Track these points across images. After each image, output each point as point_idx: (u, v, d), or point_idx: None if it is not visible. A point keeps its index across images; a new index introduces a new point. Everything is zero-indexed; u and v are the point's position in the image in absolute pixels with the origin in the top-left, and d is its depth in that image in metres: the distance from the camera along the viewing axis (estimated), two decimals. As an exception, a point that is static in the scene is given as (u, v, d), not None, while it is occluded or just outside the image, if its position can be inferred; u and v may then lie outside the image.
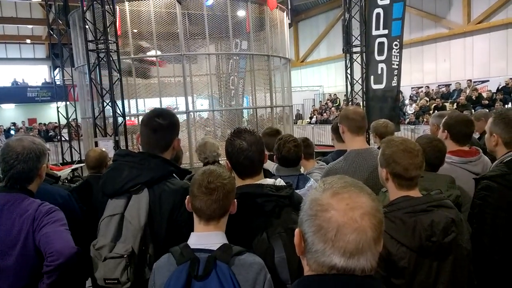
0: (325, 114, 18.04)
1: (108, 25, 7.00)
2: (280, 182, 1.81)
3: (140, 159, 1.87)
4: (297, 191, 2.46)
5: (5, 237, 1.75)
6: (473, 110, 12.23)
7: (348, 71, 10.29)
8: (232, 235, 1.57)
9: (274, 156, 2.77)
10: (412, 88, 16.29)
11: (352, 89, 10.50)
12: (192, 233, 1.55)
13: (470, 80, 14.19)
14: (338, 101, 18.80)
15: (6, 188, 1.84)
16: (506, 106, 11.93)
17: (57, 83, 14.03)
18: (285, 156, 2.65)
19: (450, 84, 14.95)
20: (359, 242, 0.88)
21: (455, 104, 13.37)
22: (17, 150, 1.84)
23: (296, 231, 0.97)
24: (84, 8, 7.15)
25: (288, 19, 10.20)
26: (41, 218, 1.76)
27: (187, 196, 1.56)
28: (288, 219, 1.66)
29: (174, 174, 1.93)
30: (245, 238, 1.61)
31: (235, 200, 1.56)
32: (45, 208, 1.80)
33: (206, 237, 1.51)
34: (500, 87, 13.23)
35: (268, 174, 2.51)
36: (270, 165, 3.11)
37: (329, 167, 2.63)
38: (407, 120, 14.00)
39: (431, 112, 13.75)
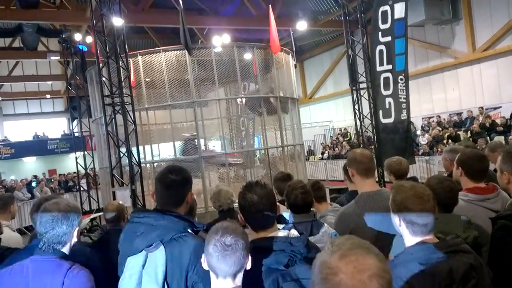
0: (336, 148, 18.03)
1: (122, 79, 7.33)
2: (293, 233, 1.84)
3: (155, 217, 1.92)
4: (311, 238, 2.49)
5: None
6: (488, 138, 12.11)
7: (356, 106, 10.40)
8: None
9: (285, 202, 2.81)
10: (423, 118, 16.26)
11: (361, 124, 10.57)
12: None
13: (482, 107, 14.10)
14: (348, 135, 18.82)
15: (41, 251, 1.91)
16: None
17: (75, 134, 14.50)
18: (293, 204, 2.65)
19: (462, 112, 14.88)
20: None
21: (469, 132, 13.25)
22: (54, 214, 1.93)
23: None
24: (100, 64, 7.52)
25: (294, 60, 10.50)
26: (70, 282, 1.82)
27: (203, 254, 1.59)
28: (303, 273, 1.68)
29: (189, 229, 1.99)
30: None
31: (249, 255, 1.59)
32: (74, 271, 1.86)
33: None
34: (513, 112, 13.11)
35: (282, 221, 2.54)
36: (285, 211, 3.15)
37: (341, 212, 2.65)
38: (421, 151, 13.86)
39: (445, 141, 13.64)
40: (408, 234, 1.72)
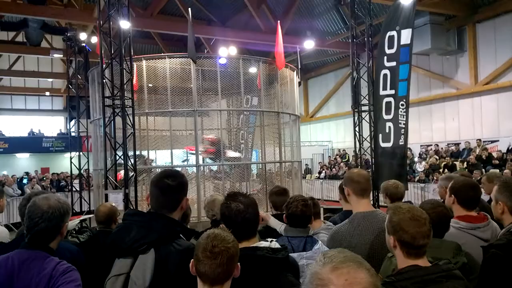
0: (334, 169, 18.03)
1: (125, 82, 7.33)
2: (275, 244, 1.84)
3: (149, 219, 1.91)
4: (303, 253, 2.46)
5: None
6: (483, 170, 12.16)
7: (357, 128, 10.43)
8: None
9: (284, 216, 2.78)
10: (421, 146, 16.33)
11: (361, 146, 10.58)
12: None
13: (480, 140, 14.20)
14: (347, 156, 18.85)
15: (28, 245, 1.88)
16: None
17: (72, 134, 14.44)
18: (292, 214, 2.64)
19: (460, 143, 14.96)
20: None
21: (466, 163, 13.30)
22: (43, 209, 1.90)
23: None
24: (104, 65, 7.53)
25: (298, 78, 10.56)
26: (57, 277, 1.78)
27: (191, 260, 1.56)
28: (286, 283, 1.66)
29: (181, 234, 1.96)
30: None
31: (239, 264, 1.57)
32: (62, 267, 1.83)
33: None
34: (510, 147, 13.20)
35: (274, 234, 2.50)
36: (277, 225, 3.12)
37: (334, 230, 2.63)
38: (417, 178, 13.89)
39: (441, 170, 13.67)
40: (402, 256, 1.73)
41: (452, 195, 2.66)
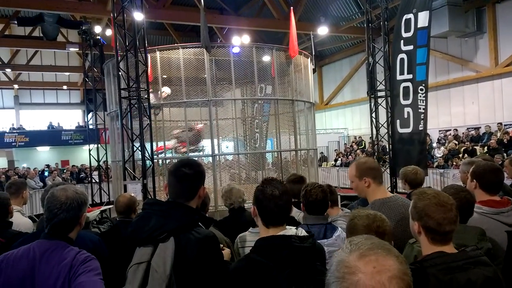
0: (350, 156, 17.88)
1: (140, 73, 7.37)
2: (302, 232, 1.82)
3: (167, 208, 1.92)
4: (324, 241, 2.45)
5: (44, 283, 1.80)
6: (505, 154, 11.88)
7: (373, 115, 10.29)
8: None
9: (301, 204, 2.77)
10: (439, 131, 16.02)
11: (377, 133, 10.45)
12: None
13: (501, 123, 13.84)
14: (363, 143, 18.66)
15: (48, 235, 1.92)
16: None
17: (90, 126, 14.66)
18: (313, 202, 2.63)
19: (480, 127, 14.62)
20: None
21: (486, 147, 13.01)
22: (61, 200, 1.93)
23: None
24: (119, 58, 7.57)
25: (312, 64, 10.43)
26: (77, 266, 1.81)
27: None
28: (314, 271, 1.64)
29: (200, 223, 1.97)
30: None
31: None
32: (82, 256, 1.85)
33: None
34: (532, 130, 12.85)
35: (293, 222, 2.49)
36: (296, 213, 3.11)
37: (354, 217, 2.60)
38: (436, 164, 13.66)
39: (460, 155, 13.41)
40: (427, 242, 1.69)
41: (474, 180, 2.60)
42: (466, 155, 13.08)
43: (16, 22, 16.49)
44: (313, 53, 10.45)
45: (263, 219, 1.82)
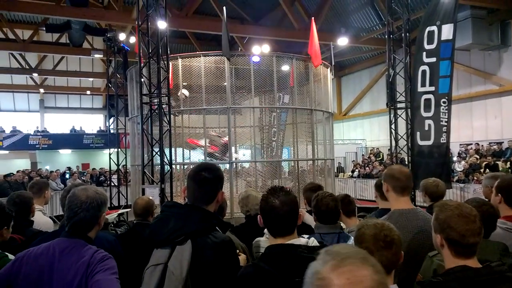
0: (367, 168, 17.68)
1: (161, 80, 7.50)
2: (313, 242, 1.80)
3: (186, 211, 1.94)
4: (337, 249, 2.42)
5: (61, 280, 1.84)
6: (528, 170, 11.56)
7: (393, 126, 10.18)
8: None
9: (312, 213, 2.75)
10: (460, 144, 15.71)
11: (396, 144, 10.32)
12: None
13: (525, 138, 13.51)
14: (381, 155, 18.43)
15: (68, 234, 1.96)
16: None
17: (111, 131, 14.95)
18: (323, 212, 2.61)
19: (503, 142, 14.28)
20: None
21: (509, 163, 12.69)
22: (82, 199, 1.98)
23: None
24: (141, 64, 7.73)
25: (332, 75, 10.42)
26: (95, 264, 1.84)
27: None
28: None
29: (217, 227, 1.99)
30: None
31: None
32: (99, 255, 1.89)
33: None
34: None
35: (309, 230, 2.47)
36: (313, 222, 3.09)
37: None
38: (456, 178, 13.37)
39: (481, 170, 13.11)
40: (450, 255, 1.64)
41: (499, 194, 2.54)
42: (487, 170, 12.77)
43: (44, 28, 17.04)
44: (332, 63, 10.44)
45: (268, 229, 1.84)
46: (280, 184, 10.58)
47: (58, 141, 23.30)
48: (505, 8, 13.72)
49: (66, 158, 24.16)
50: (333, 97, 15.33)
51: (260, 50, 14.88)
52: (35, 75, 23.78)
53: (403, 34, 9.78)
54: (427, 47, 7.71)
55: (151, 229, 1.97)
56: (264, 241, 2.81)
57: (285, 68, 9.69)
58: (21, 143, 22.47)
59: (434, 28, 7.61)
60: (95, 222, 2.01)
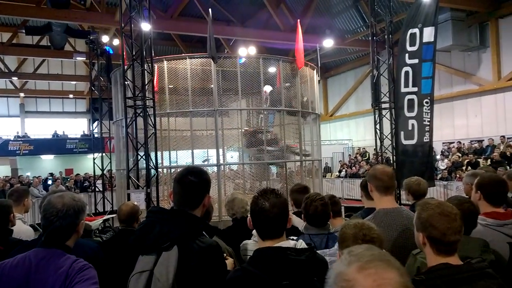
0: (354, 168, 17.85)
1: (146, 83, 7.43)
2: (301, 244, 1.81)
3: (171, 216, 1.91)
4: (326, 250, 2.45)
5: None
6: (508, 167, 11.82)
7: (377, 126, 10.30)
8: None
9: (302, 215, 2.77)
10: (443, 143, 16.00)
11: (381, 144, 10.45)
12: None
13: (504, 136, 13.84)
14: (367, 154, 18.64)
15: (44, 243, 1.88)
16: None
17: (95, 135, 14.74)
18: (313, 215, 2.64)
19: (483, 140, 14.60)
20: None
21: (489, 160, 12.97)
22: (57, 207, 1.90)
23: None
24: (125, 67, 7.65)
25: (318, 76, 10.50)
26: (73, 275, 1.77)
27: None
28: (310, 286, 1.63)
29: (203, 232, 1.97)
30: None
31: None
32: (78, 265, 1.82)
33: None
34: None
35: (296, 232, 2.47)
36: (300, 223, 3.11)
37: (357, 227, 2.60)
38: (439, 176, 13.63)
39: (464, 168, 13.38)
40: (432, 253, 1.67)
41: (479, 191, 2.60)
42: (469, 167, 13.05)
43: (24, 31, 16.70)
44: (319, 65, 10.51)
45: (257, 231, 1.83)
46: (269, 185, 10.60)
47: (39, 146, 22.82)
48: (483, 10, 14.06)
49: (48, 163, 23.67)
50: (320, 98, 15.43)
51: (246, 52, 14.89)
52: (14, 78, 23.33)
53: (386, 36, 9.92)
54: (409, 49, 7.82)
55: (136, 235, 1.93)
56: (252, 244, 2.81)
57: (272, 70, 9.71)
58: (0, 149, 21.91)
59: (416, 30, 7.72)
60: (73, 230, 1.93)
